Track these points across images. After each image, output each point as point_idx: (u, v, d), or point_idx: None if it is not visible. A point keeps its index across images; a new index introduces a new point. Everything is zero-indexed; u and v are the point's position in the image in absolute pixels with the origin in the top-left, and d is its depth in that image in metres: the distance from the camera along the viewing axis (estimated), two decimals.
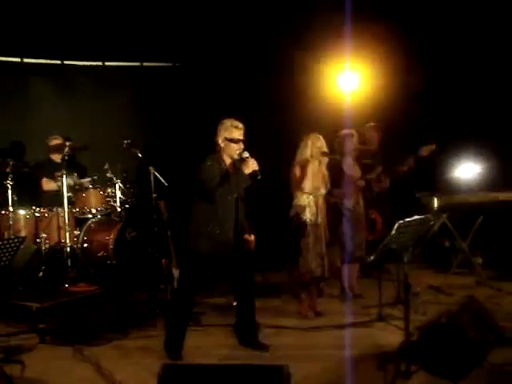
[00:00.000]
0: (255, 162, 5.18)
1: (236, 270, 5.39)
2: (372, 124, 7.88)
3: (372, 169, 7.40)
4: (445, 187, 7.91)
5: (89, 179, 7.77)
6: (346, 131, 7.09)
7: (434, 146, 7.11)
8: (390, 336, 5.48)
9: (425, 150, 7.13)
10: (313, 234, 6.39)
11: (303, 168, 6.37)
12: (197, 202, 5.32)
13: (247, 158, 5.22)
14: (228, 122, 5.31)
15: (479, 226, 7.48)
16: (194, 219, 5.32)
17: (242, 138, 5.29)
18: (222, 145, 5.29)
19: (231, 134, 5.26)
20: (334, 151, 6.90)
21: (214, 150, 5.35)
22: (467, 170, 8.05)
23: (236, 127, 5.29)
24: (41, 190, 7.74)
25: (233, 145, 5.27)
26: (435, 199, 7.47)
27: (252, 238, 5.52)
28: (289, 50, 8.70)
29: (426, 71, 8.54)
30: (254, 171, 5.17)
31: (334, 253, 6.82)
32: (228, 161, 5.33)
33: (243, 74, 9.13)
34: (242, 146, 5.29)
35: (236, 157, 5.29)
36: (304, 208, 6.38)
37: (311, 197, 6.41)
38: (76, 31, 8.52)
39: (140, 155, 7.34)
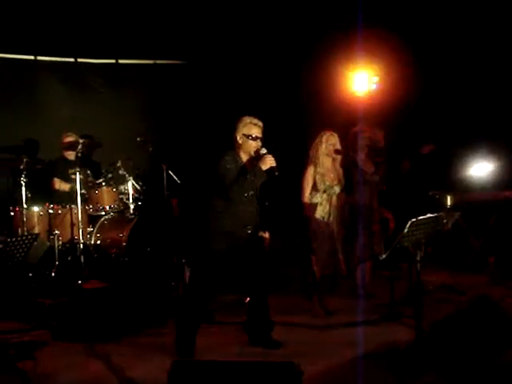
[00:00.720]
0: (272, 159, 5.17)
1: (250, 268, 5.38)
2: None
3: (384, 166, 7.37)
4: (458, 185, 7.89)
5: (101, 180, 7.78)
6: (358, 128, 7.10)
7: (432, 146, 7.10)
8: (402, 334, 5.46)
9: (425, 149, 7.15)
10: (324, 232, 6.39)
11: (304, 171, 6.41)
12: (212, 198, 5.31)
13: (265, 154, 5.22)
14: (247, 119, 5.32)
15: (492, 225, 7.44)
16: (209, 216, 5.32)
17: (260, 135, 5.29)
18: (240, 141, 5.29)
19: (250, 131, 5.27)
20: (347, 148, 6.90)
21: (231, 146, 5.35)
22: (480, 169, 8.02)
23: (255, 124, 5.29)
24: (52, 188, 7.78)
25: (251, 142, 5.27)
26: (448, 197, 7.44)
27: (267, 235, 5.52)
28: (302, 49, 8.71)
29: (437, 70, 8.52)
30: (272, 168, 5.16)
31: (349, 250, 6.82)
32: (245, 158, 5.32)
33: (256, 72, 9.13)
34: (259, 143, 5.29)
35: (253, 154, 5.28)
36: (316, 206, 6.39)
37: (325, 195, 6.42)
38: (89, 29, 8.56)
39: (153, 152, 7.35)
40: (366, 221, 6.86)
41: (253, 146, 5.27)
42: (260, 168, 5.14)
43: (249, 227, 5.28)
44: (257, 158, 5.24)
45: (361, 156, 7.02)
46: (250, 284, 5.47)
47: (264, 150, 5.24)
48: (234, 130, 5.33)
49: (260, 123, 5.31)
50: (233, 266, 5.35)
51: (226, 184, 5.15)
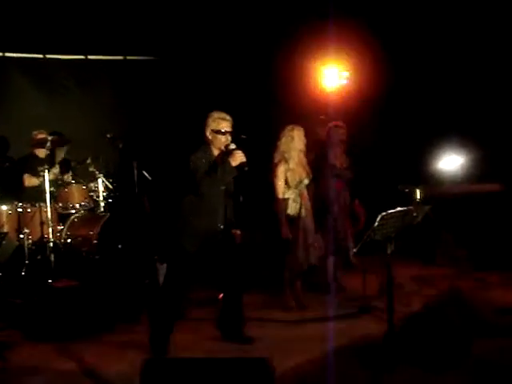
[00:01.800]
0: (242, 154, 5.16)
1: (222, 263, 5.37)
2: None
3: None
4: (428, 179, 7.95)
5: (70, 174, 7.71)
6: (332, 123, 7.15)
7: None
8: (374, 328, 5.49)
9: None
10: (298, 227, 6.41)
11: (276, 168, 6.42)
12: (185, 195, 5.30)
13: (234, 149, 5.20)
14: (215, 114, 5.31)
15: (463, 218, 7.52)
16: (182, 214, 5.31)
17: (229, 129, 5.28)
18: (210, 137, 5.28)
19: (218, 126, 5.26)
20: (320, 142, 6.94)
21: (203, 142, 5.33)
22: (450, 162, 8.10)
23: (223, 119, 5.28)
24: (23, 186, 7.67)
25: (220, 136, 5.26)
26: (418, 191, 7.50)
27: (238, 232, 5.51)
28: (271, 43, 8.71)
29: (408, 65, 8.58)
30: (242, 163, 5.16)
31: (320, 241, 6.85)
32: (216, 152, 5.31)
33: (226, 68, 9.11)
34: (229, 137, 5.27)
35: (223, 148, 5.26)
36: (288, 201, 6.41)
37: (296, 190, 6.44)
38: (58, 25, 8.46)
39: (123, 149, 7.29)
40: (336, 215, 6.89)
41: (222, 140, 5.26)
42: (230, 163, 5.13)
43: (220, 223, 5.26)
44: (227, 153, 5.23)
45: (334, 151, 7.04)
46: (223, 280, 5.47)
47: (233, 146, 5.23)
48: (203, 126, 5.30)
49: (228, 117, 5.30)
50: (205, 262, 5.33)
51: (197, 179, 5.13)
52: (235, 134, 5.34)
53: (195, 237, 5.20)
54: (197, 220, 5.22)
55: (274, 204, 6.48)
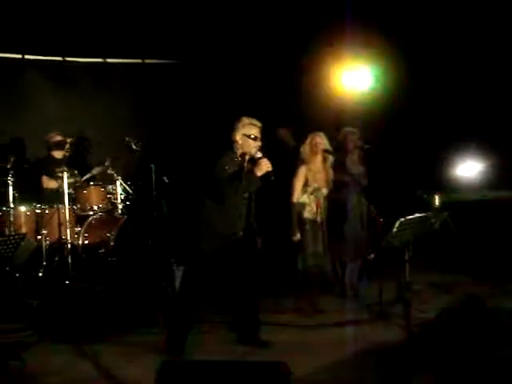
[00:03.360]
0: (268, 163, 5.15)
1: (239, 268, 5.38)
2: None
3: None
4: (446, 185, 7.91)
5: (88, 175, 7.75)
6: (348, 129, 7.14)
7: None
8: (391, 334, 5.47)
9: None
10: (312, 232, 6.41)
11: (297, 169, 6.44)
12: (207, 199, 5.30)
13: (260, 158, 5.20)
14: (246, 120, 5.32)
15: (480, 224, 7.47)
16: (202, 217, 5.32)
17: (259, 135, 5.29)
18: (240, 141, 5.27)
19: (250, 131, 5.27)
20: (337, 149, 6.92)
21: (226, 146, 5.33)
22: (469, 169, 8.05)
23: (254, 125, 5.30)
24: (41, 187, 7.72)
25: (251, 141, 5.26)
26: (436, 197, 7.47)
27: (259, 240, 5.51)
28: (292, 49, 8.70)
29: (426, 71, 8.54)
30: (268, 172, 5.15)
31: (337, 250, 6.83)
32: (242, 158, 5.28)
33: (247, 71, 9.12)
34: (259, 143, 5.28)
35: (253, 153, 5.23)
36: (303, 207, 6.42)
37: (312, 196, 6.45)
38: (77, 28, 8.50)
39: (141, 152, 7.33)
40: (354, 221, 6.88)
41: (252, 145, 5.26)
42: (255, 174, 5.12)
43: (239, 231, 5.27)
44: (253, 161, 5.21)
45: (351, 157, 7.05)
46: (240, 284, 5.46)
47: (259, 154, 5.21)
48: (232, 130, 5.31)
49: (259, 124, 5.32)
50: (223, 266, 5.34)
51: (220, 186, 5.14)
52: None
53: (214, 241, 5.20)
54: (217, 225, 5.22)
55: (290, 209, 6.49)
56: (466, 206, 7.60)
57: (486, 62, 8.54)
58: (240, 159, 5.25)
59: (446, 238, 7.99)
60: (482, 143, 8.31)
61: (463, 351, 4.53)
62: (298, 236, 6.41)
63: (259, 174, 5.12)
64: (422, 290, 6.74)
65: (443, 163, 8.45)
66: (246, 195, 5.28)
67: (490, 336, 4.79)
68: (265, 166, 5.13)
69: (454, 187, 7.98)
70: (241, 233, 5.28)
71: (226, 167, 5.17)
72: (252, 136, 5.26)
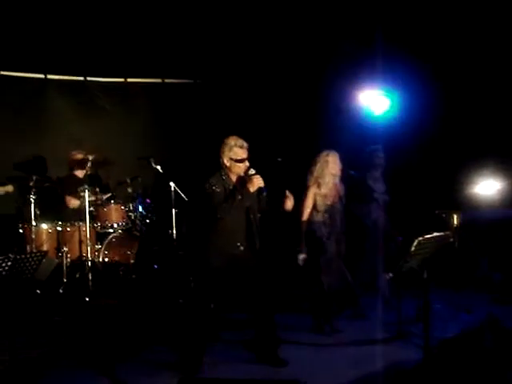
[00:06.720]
0: (260, 179, 5.26)
1: (251, 285, 5.41)
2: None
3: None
4: (465, 204, 7.88)
5: (109, 195, 7.84)
6: (372, 146, 7.23)
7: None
8: (410, 354, 5.44)
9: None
10: (328, 250, 6.41)
11: (307, 189, 6.45)
12: (207, 217, 5.37)
13: (252, 175, 5.28)
14: (232, 142, 5.37)
15: (499, 243, 7.43)
16: (206, 234, 5.40)
17: (245, 156, 5.36)
18: (228, 164, 5.37)
19: (236, 155, 5.34)
20: (361, 167, 6.98)
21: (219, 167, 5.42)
22: (487, 187, 8.01)
23: (240, 147, 5.36)
24: (64, 206, 7.80)
25: (239, 164, 5.35)
26: (455, 216, 7.44)
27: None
28: (313, 69, 8.73)
29: (447, 89, 8.53)
30: (260, 188, 5.25)
31: (356, 268, 6.83)
32: (234, 177, 5.40)
33: (265, 91, 9.18)
34: (247, 163, 5.37)
35: (242, 174, 5.35)
36: (319, 225, 6.42)
37: (326, 214, 6.45)
38: (98, 48, 8.63)
39: (161, 171, 7.40)
40: (375, 239, 6.88)
41: (241, 168, 5.36)
42: (248, 190, 5.22)
43: (240, 245, 5.32)
44: (245, 178, 5.31)
45: (374, 174, 7.09)
46: (254, 301, 5.48)
47: (252, 171, 5.32)
48: (219, 153, 5.39)
49: (245, 144, 5.37)
50: (232, 282, 5.40)
51: (214, 204, 5.22)
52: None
53: (219, 254, 5.28)
54: (218, 240, 5.32)
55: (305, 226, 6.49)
56: (485, 225, 7.55)
57: (503, 79, 8.52)
58: (228, 179, 5.33)
59: (466, 256, 7.96)
60: (502, 161, 8.26)
61: (482, 371, 4.51)
62: (305, 255, 6.40)
63: (252, 190, 5.23)
64: (441, 308, 6.71)
65: (462, 181, 8.41)
66: (242, 211, 5.33)
67: (509, 356, 4.76)
68: (257, 182, 5.23)
69: (473, 205, 7.93)
70: (241, 247, 5.32)
71: (214, 187, 5.25)
72: (239, 158, 5.33)
